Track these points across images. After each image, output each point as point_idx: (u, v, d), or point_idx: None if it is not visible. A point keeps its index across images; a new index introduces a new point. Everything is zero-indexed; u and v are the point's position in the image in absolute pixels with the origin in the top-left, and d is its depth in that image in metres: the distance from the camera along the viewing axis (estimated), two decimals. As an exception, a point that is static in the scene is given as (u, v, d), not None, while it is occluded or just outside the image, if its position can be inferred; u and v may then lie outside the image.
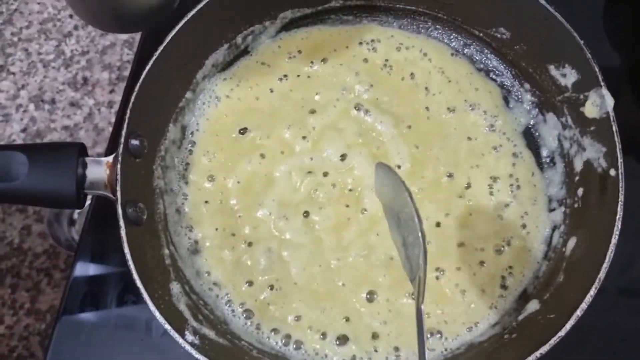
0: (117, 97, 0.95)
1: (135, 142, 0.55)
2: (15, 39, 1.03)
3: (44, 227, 0.89)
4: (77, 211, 0.88)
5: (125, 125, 0.54)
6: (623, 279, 0.62)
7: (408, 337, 0.55)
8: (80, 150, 0.53)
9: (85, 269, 0.65)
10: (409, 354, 0.54)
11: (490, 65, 0.63)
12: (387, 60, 0.64)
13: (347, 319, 0.56)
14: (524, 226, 0.58)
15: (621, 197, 0.50)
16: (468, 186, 0.59)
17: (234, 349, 0.53)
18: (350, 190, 0.59)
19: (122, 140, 0.53)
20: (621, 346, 0.60)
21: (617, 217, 0.49)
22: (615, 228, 0.49)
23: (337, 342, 0.55)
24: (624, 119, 0.65)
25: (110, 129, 0.94)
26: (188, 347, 0.49)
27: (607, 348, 0.59)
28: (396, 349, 0.55)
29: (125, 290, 0.63)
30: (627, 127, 0.62)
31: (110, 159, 0.54)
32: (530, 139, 0.62)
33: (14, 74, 0.97)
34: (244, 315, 0.56)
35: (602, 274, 0.48)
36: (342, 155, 0.60)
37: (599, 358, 0.59)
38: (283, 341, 0.55)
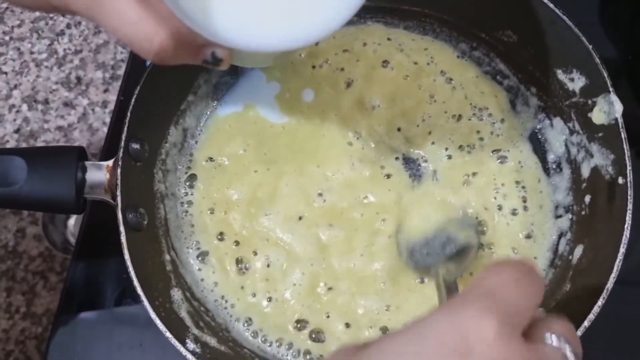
0: (112, 97, 0.93)
1: (135, 145, 0.54)
2: (7, 37, 1.01)
3: (39, 230, 0.87)
4: (74, 215, 0.87)
5: (125, 129, 0.53)
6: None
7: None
8: (79, 154, 0.52)
9: (83, 271, 0.64)
10: None
11: (497, 68, 0.63)
12: (388, 61, 0.63)
13: (347, 325, 0.55)
14: (530, 232, 0.58)
15: (630, 206, 0.49)
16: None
17: (235, 357, 0.52)
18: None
19: (122, 144, 0.52)
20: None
21: (626, 225, 0.49)
22: (624, 237, 0.48)
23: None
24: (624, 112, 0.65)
25: (105, 129, 0.93)
26: (190, 356, 0.48)
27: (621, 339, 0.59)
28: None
29: (124, 294, 0.63)
30: (627, 121, 0.62)
31: (110, 163, 0.53)
32: (537, 144, 0.61)
33: (6, 73, 0.96)
34: (246, 322, 0.55)
35: (610, 284, 0.47)
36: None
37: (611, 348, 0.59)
38: (286, 348, 0.54)
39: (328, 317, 0.55)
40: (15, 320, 0.85)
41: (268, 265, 0.56)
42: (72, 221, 0.87)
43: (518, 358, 0.26)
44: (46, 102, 0.93)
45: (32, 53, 0.95)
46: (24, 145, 0.88)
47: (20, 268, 0.87)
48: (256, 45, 0.40)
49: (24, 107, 0.93)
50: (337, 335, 0.54)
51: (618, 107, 0.52)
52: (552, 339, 0.29)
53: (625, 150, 0.51)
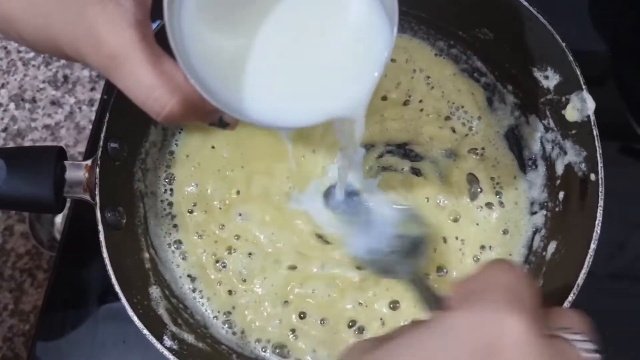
0: (98, 95, 0.93)
1: (114, 145, 0.55)
2: (-5, 36, 1.02)
3: (26, 228, 0.88)
4: (61, 213, 0.87)
5: (104, 129, 0.54)
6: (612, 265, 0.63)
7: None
8: (58, 153, 0.53)
9: (67, 269, 0.64)
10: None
11: (474, 66, 0.63)
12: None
13: (323, 322, 0.56)
14: (506, 228, 0.58)
15: (601, 203, 0.50)
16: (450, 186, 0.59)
17: (213, 354, 0.53)
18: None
19: (101, 143, 0.53)
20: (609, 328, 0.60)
21: (597, 222, 0.49)
22: (595, 234, 0.49)
23: (314, 351, 0.55)
24: (607, 107, 0.65)
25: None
26: (166, 353, 0.49)
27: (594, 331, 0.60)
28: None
29: (107, 291, 0.63)
30: (608, 114, 0.62)
31: (89, 162, 0.53)
32: (513, 141, 0.61)
33: (-7, 72, 0.96)
34: (224, 320, 0.56)
35: (580, 280, 0.48)
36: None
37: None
38: (263, 345, 0.55)
39: (303, 316, 0.55)
40: (3, 317, 0.86)
41: (243, 265, 0.57)
42: (59, 219, 0.88)
43: (547, 355, 0.26)
44: (33, 100, 0.93)
45: (19, 52, 0.96)
46: (11, 144, 0.89)
47: (8, 266, 0.88)
48: (282, 123, 0.41)
49: (12, 105, 0.93)
50: (312, 333, 0.55)
51: (590, 105, 0.52)
52: (569, 335, 0.29)
53: (597, 147, 0.51)
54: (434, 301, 0.45)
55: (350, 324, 0.55)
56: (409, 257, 0.53)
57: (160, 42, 0.37)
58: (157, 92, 0.36)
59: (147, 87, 0.36)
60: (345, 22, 0.41)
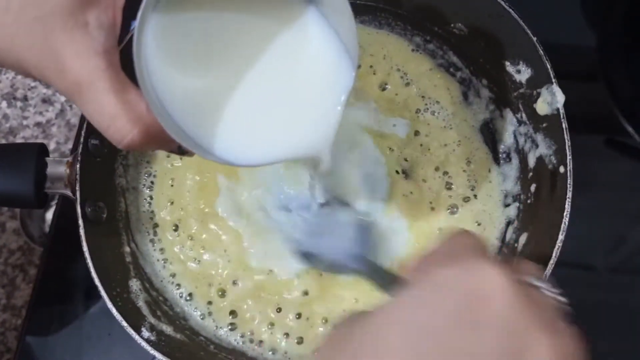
0: (90, 93, 0.95)
1: (94, 141, 0.56)
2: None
3: (17, 224, 0.89)
4: (51, 209, 0.89)
5: (85, 125, 0.55)
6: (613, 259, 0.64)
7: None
8: (39, 150, 0.54)
9: (55, 264, 0.66)
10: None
11: (450, 61, 0.64)
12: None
13: (299, 316, 0.57)
14: (479, 220, 0.59)
15: (569, 194, 0.50)
16: (424, 181, 0.60)
17: (190, 344, 0.54)
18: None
19: (82, 139, 0.54)
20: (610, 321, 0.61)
21: (565, 213, 0.50)
22: (563, 225, 0.49)
23: (297, 341, 0.56)
24: (595, 101, 0.66)
25: (84, 124, 0.94)
26: (144, 344, 0.50)
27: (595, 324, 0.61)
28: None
29: (93, 286, 0.64)
30: (596, 108, 0.63)
31: (70, 158, 0.54)
32: (488, 134, 0.62)
33: (-16, 72, 0.98)
34: (203, 312, 0.57)
35: (548, 271, 0.48)
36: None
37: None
38: (241, 337, 0.56)
39: (279, 310, 0.57)
40: (-5, 312, 0.87)
41: (220, 259, 0.58)
42: (50, 215, 0.89)
43: (526, 298, 0.27)
44: (25, 99, 0.95)
45: (11, 51, 0.97)
46: (3, 142, 0.91)
47: (0, 261, 0.89)
48: (242, 161, 0.42)
49: (4, 104, 0.95)
50: (288, 325, 0.56)
51: (560, 98, 0.53)
52: (538, 282, 0.31)
53: (566, 140, 0.52)
54: (393, 283, 0.44)
55: (324, 320, 0.56)
56: (357, 246, 0.53)
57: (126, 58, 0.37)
58: (118, 122, 0.36)
59: (109, 116, 0.36)
60: (306, 62, 0.42)
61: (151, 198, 0.61)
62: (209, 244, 0.58)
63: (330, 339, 0.30)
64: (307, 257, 0.55)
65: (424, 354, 0.26)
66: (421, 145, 0.61)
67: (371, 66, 0.64)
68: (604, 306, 0.61)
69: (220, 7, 0.41)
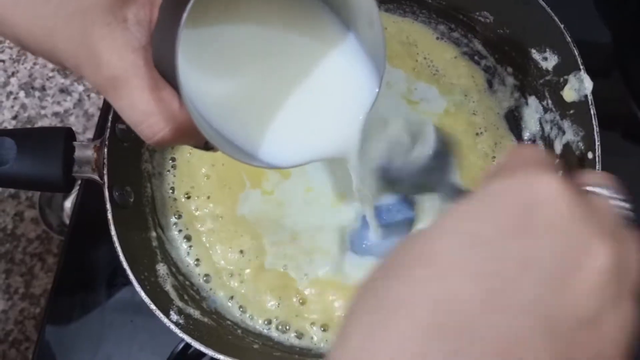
0: (108, 83, 0.95)
1: (122, 126, 0.56)
2: (6, 26, 1.03)
3: (36, 213, 0.90)
4: (70, 197, 0.89)
5: (112, 109, 0.55)
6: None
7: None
8: (67, 134, 0.54)
9: (76, 252, 0.66)
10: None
11: (475, 49, 0.64)
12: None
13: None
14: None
15: (598, 180, 0.50)
16: (450, 169, 0.60)
17: (218, 328, 0.54)
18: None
19: (109, 124, 0.54)
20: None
21: (594, 198, 0.50)
22: (592, 209, 0.50)
23: (322, 329, 0.56)
24: (612, 96, 0.66)
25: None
26: (172, 327, 0.50)
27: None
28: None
29: (115, 273, 0.64)
30: (611, 103, 0.63)
31: (97, 142, 0.55)
32: (513, 122, 0.62)
33: (3, 61, 0.98)
34: (229, 299, 0.57)
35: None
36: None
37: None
38: (266, 323, 0.56)
39: (302, 302, 0.57)
40: (14, 301, 0.88)
41: (242, 251, 0.58)
42: (68, 204, 0.89)
43: (581, 205, 0.26)
44: (43, 89, 0.95)
45: (29, 41, 0.97)
46: (24, 129, 0.91)
47: (19, 250, 0.89)
48: (270, 163, 0.42)
49: (22, 94, 0.95)
50: (312, 314, 0.56)
51: (588, 85, 0.53)
52: (599, 190, 0.29)
53: (594, 126, 0.52)
54: None
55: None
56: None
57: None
58: (152, 119, 0.37)
59: (143, 112, 0.37)
60: (332, 67, 0.43)
61: (173, 180, 0.61)
62: (232, 232, 0.58)
63: (381, 262, 0.28)
64: (389, 181, 0.55)
65: (477, 261, 0.25)
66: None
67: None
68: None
69: (242, 18, 0.42)
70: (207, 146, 0.42)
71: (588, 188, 0.29)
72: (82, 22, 0.36)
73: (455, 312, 0.24)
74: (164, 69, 0.37)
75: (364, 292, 0.27)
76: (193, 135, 0.38)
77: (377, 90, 0.42)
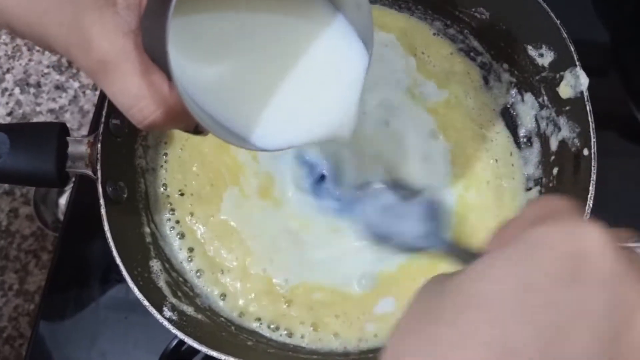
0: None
1: (115, 121, 0.56)
2: None
3: (31, 210, 0.89)
4: (64, 194, 0.89)
5: (106, 105, 0.55)
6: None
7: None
8: (61, 129, 0.54)
9: (70, 248, 0.65)
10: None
11: (471, 45, 0.64)
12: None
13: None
14: (501, 205, 0.59)
15: (593, 177, 0.50)
16: (446, 165, 0.60)
17: (212, 325, 0.54)
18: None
19: (103, 119, 0.54)
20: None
21: (589, 195, 0.50)
22: (587, 207, 0.50)
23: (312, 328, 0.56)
24: (607, 93, 0.66)
25: (96, 111, 0.94)
26: (166, 323, 0.50)
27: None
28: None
29: (110, 269, 0.64)
30: (608, 103, 0.63)
31: (91, 138, 0.54)
32: (509, 118, 0.62)
33: (-2, 58, 0.98)
34: (221, 296, 0.57)
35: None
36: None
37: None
38: (258, 321, 0.56)
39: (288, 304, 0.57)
40: (8, 297, 0.87)
41: (233, 245, 0.58)
42: (63, 200, 0.89)
43: (629, 261, 0.26)
44: (38, 85, 0.95)
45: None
46: (17, 127, 0.91)
47: (13, 247, 0.89)
48: (273, 147, 0.42)
49: (17, 90, 0.95)
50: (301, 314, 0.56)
51: (584, 81, 0.53)
52: (636, 245, 0.29)
53: (590, 123, 0.52)
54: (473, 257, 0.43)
55: (335, 316, 0.56)
56: (427, 222, 0.52)
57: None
58: (142, 102, 0.37)
59: (133, 96, 0.36)
60: (321, 47, 0.43)
61: (166, 176, 0.60)
62: (222, 231, 0.58)
63: (410, 308, 0.28)
64: (380, 238, 0.54)
65: (531, 307, 0.24)
66: (442, 128, 0.61)
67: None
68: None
69: (232, 0, 0.41)
70: (197, 130, 0.42)
71: (625, 243, 0.28)
72: (74, 7, 0.36)
73: (510, 358, 0.23)
74: (154, 53, 0.36)
75: (409, 337, 0.26)
76: (183, 118, 0.38)
77: (367, 63, 0.42)
